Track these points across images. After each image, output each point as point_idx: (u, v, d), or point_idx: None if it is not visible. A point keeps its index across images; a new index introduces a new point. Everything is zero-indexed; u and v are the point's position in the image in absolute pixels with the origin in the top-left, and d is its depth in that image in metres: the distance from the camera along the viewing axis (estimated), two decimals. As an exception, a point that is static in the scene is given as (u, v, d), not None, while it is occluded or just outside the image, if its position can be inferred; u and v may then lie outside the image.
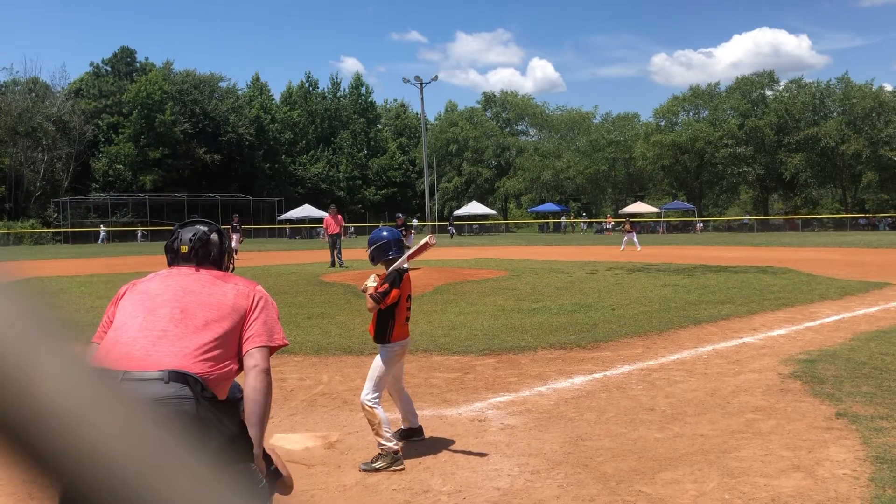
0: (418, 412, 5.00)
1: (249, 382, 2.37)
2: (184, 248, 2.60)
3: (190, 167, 63.52)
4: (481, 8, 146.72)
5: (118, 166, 60.59)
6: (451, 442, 4.80)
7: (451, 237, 51.94)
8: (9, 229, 49.52)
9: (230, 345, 2.37)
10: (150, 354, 2.22)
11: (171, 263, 2.64)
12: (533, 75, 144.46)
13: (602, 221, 63.00)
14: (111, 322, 2.42)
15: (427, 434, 4.93)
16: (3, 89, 59.99)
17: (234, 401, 2.40)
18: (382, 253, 4.69)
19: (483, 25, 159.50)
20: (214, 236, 2.66)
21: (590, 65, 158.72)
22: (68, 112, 59.61)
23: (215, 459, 0.28)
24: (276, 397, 4.98)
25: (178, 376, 2.16)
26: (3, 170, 55.69)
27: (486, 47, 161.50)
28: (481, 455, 4.53)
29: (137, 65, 68.86)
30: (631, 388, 6.12)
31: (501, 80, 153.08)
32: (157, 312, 2.36)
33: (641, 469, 4.18)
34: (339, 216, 21.64)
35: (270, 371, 2.43)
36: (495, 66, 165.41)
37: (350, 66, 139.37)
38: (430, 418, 5.30)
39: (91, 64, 69.04)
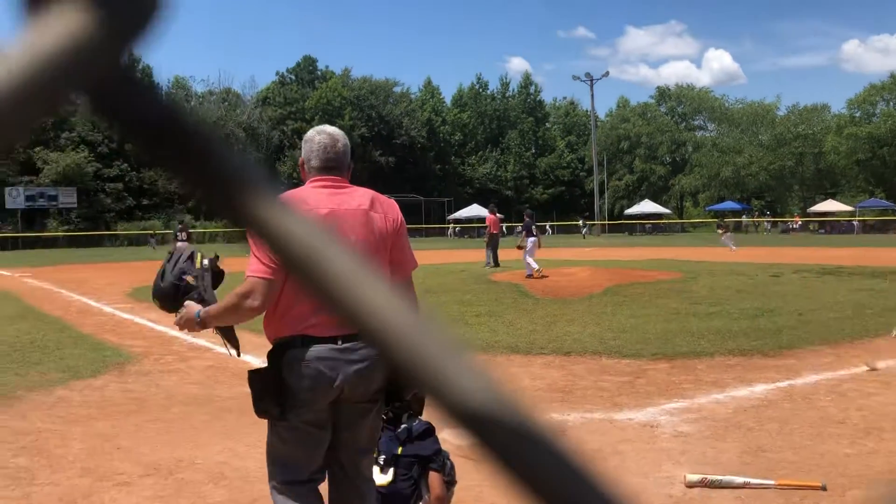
0: (588, 415, 4.94)
1: None
2: None
3: (366, 169, 66.48)
4: (652, 0, 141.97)
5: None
6: (622, 447, 4.70)
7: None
8: (204, 229, 54.23)
9: None
10: None
11: None
12: (709, 67, 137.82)
13: (788, 221, 59.03)
14: None
15: (597, 438, 4.87)
16: (201, 100, 65.71)
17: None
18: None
19: (654, 18, 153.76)
20: None
21: (772, 54, 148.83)
22: (257, 119, 64.28)
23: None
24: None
25: None
26: (202, 175, 61.11)
27: (658, 40, 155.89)
28: (653, 462, 4.41)
29: (319, 73, 72.92)
30: (818, 399, 5.70)
31: (675, 73, 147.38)
32: None
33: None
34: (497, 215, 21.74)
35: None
36: (668, 60, 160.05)
37: (516, 65, 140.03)
38: (600, 422, 5.23)
39: (277, 73, 73.95)
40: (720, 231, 28.85)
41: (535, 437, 0.30)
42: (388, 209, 2.65)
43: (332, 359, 2.44)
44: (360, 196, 2.60)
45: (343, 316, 0.31)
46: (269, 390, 2.47)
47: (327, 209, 2.50)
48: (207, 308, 2.59)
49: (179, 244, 21.44)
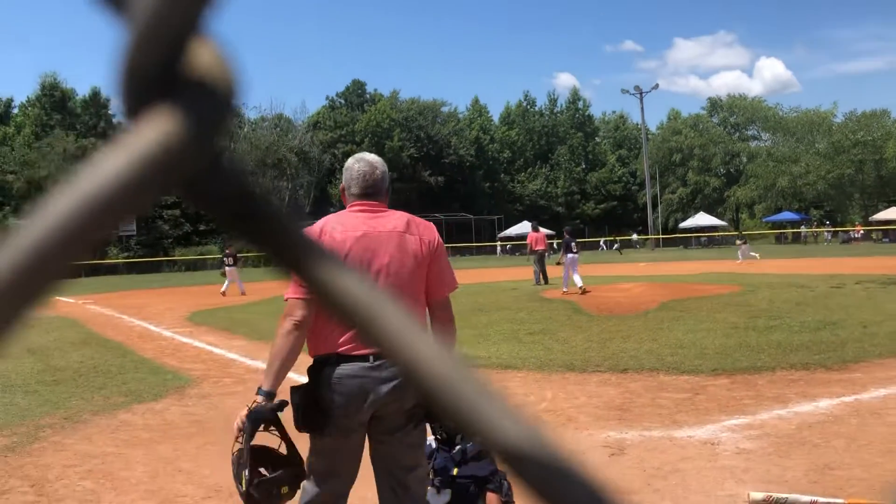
0: (647, 433, 4.85)
1: None
2: None
3: (416, 189, 67.00)
4: (700, 11, 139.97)
5: (353, 191, 65.44)
6: (682, 465, 4.60)
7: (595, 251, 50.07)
8: (250, 252, 55.26)
9: None
10: None
11: None
12: (761, 76, 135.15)
13: (849, 230, 57.28)
14: None
15: (656, 456, 4.77)
16: (254, 126, 67.20)
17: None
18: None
19: (703, 29, 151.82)
20: None
21: (827, 60, 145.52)
22: (308, 143, 65.37)
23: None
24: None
25: None
26: (256, 199, 62.33)
27: (708, 51, 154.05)
28: (715, 480, 4.30)
29: (367, 96, 74.00)
30: (888, 414, 5.50)
31: (726, 83, 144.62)
32: None
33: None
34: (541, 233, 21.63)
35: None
36: (718, 70, 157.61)
37: (564, 81, 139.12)
38: (659, 440, 5.13)
39: (327, 98, 75.36)
40: (739, 242, 30.09)
41: (568, 472, 0.32)
42: (424, 231, 2.73)
43: (364, 376, 2.54)
44: (396, 219, 2.71)
45: (395, 363, 0.34)
46: (306, 406, 2.58)
47: (361, 231, 2.62)
48: (265, 373, 2.65)
49: (228, 269, 21.87)
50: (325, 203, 67.01)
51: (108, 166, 0.30)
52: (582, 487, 0.32)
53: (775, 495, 3.85)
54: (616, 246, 55.05)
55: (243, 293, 20.39)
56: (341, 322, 0.34)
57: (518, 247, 62.51)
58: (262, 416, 2.54)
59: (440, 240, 2.78)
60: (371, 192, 2.74)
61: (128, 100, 0.31)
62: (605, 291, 16.42)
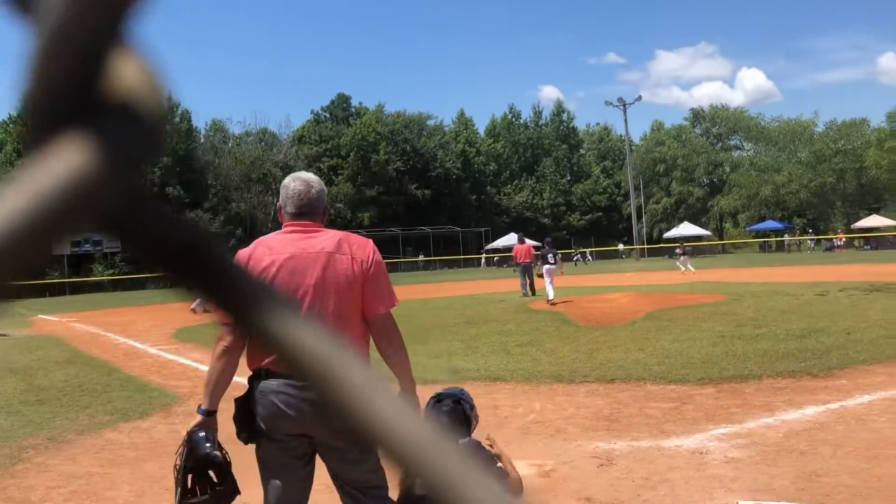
0: (635, 443, 4.86)
1: None
2: None
3: (402, 202, 66.98)
4: (681, 23, 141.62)
5: (338, 205, 65.25)
6: (671, 475, 4.61)
7: (576, 264, 50.39)
8: (247, 267, 55.03)
9: None
10: None
11: None
12: (742, 86, 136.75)
13: (831, 238, 57.80)
14: None
15: (645, 466, 4.78)
16: (238, 140, 66.99)
17: None
18: None
19: (684, 41, 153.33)
20: None
21: (808, 70, 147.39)
22: (293, 157, 65.16)
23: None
24: (490, 424, 5.13)
25: None
26: (240, 214, 61.95)
27: (689, 62, 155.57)
28: (704, 489, 4.31)
29: (353, 109, 73.90)
30: (873, 420, 5.53)
31: (707, 94, 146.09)
32: None
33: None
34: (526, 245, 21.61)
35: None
36: (700, 81, 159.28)
37: (548, 93, 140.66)
38: (647, 450, 5.14)
39: (311, 112, 74.92)
40: (678, 252, 30.27)
41: None
42: (357, 250, 2.74)
43: (287, 394, 2.60)
44: (327, 239, 2.73)
45: (357, 428, 0.31)
46: (240, 418, 2.69)
47: (289, 253, 2.67)
48: (203, 393, 2.80)
49: None
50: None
51: (5, 206, 0.26)
52: None
53: (764, 503, 3.86)
54: (576, 258, 55.11)
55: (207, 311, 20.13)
56: (296, 372, 0.31)
57: (505, 258, 62.72)
58: (197, 448, 2.68)
59: (376, 258, 2.78)
60: (306, 210, 2.77)
61: (35, 125, 0.26)
62: (592, 302, 16.45)
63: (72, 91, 0.26)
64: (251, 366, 2.69)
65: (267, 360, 2.64)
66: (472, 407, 3.16)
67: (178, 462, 2.67)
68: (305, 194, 2.78)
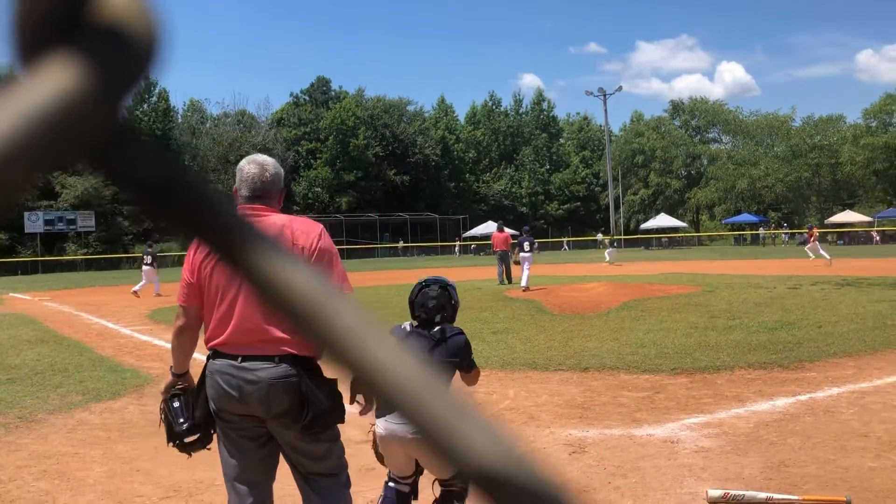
0: (608, 431, 4.91)
1: None
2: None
3: (381, 188, 66.76)
4: (663, 15, 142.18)
5: (317, 189, 64.92)
6: (642, 463, 4.66)
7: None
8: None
9: None
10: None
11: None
12: (722, 80, 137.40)
13: (805, 232, 58.50)
14: None
15: (617, 455, 4.83)
16: (216, 122, 66.26)
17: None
18: None
19: (665, 33, 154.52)
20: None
21: (786, 66, 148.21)
22: (272, 140, 64.62)
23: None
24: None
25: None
26: (219, 196, 61.48)
27: (670, 54, 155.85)
28: (674, 477, 4.36)
29: (332, 93, 73.27)
30: (841, 413, 5.63)
31: (687, 86, 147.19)
32: None
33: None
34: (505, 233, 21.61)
35: None
36: (680, 73, 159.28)
37: (529, 82, 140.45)
38: (620, 438, 5.19)
39: (291, 94, 74.01)
40: (606, 242, 31.70)
41: (550, 496, 0.30)
42: (300, 236, 2.67)
43: (230, 374, 2.64)
44: (270, 224, 2.68)
45: (346, 369, 0.30)
46: (195, 398, 2.84)
47: None
48: (172, 359, 2.93)
49: (145, 268, 20.93)
50: (288, 201, 66.36)
51: None
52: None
53: (733, 492, 3.92)
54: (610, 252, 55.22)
55: (158, 294, 19.83)
56: (281, 316, 0.30)
57: (482, 247, 62.82)
58: (173, 426, 2.88)
59: (321, 244, 2.69)
60: (260, 194, 2.76)
61: (20, 44, 0.25)
62: (568, 291, 16.54)
63: (59, 10, 0.25)
64: (207, 343, 2.76)
65: (216, 341, 2.68)
66: (457, 297, 3.40)
67: (163, 406, 2.94)
68: (259, 177, 2.74)
